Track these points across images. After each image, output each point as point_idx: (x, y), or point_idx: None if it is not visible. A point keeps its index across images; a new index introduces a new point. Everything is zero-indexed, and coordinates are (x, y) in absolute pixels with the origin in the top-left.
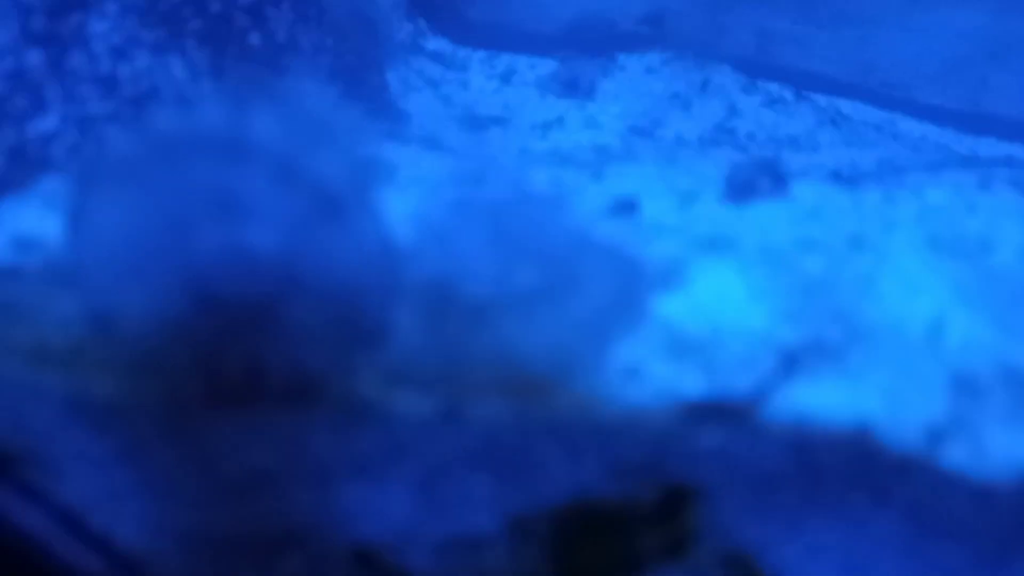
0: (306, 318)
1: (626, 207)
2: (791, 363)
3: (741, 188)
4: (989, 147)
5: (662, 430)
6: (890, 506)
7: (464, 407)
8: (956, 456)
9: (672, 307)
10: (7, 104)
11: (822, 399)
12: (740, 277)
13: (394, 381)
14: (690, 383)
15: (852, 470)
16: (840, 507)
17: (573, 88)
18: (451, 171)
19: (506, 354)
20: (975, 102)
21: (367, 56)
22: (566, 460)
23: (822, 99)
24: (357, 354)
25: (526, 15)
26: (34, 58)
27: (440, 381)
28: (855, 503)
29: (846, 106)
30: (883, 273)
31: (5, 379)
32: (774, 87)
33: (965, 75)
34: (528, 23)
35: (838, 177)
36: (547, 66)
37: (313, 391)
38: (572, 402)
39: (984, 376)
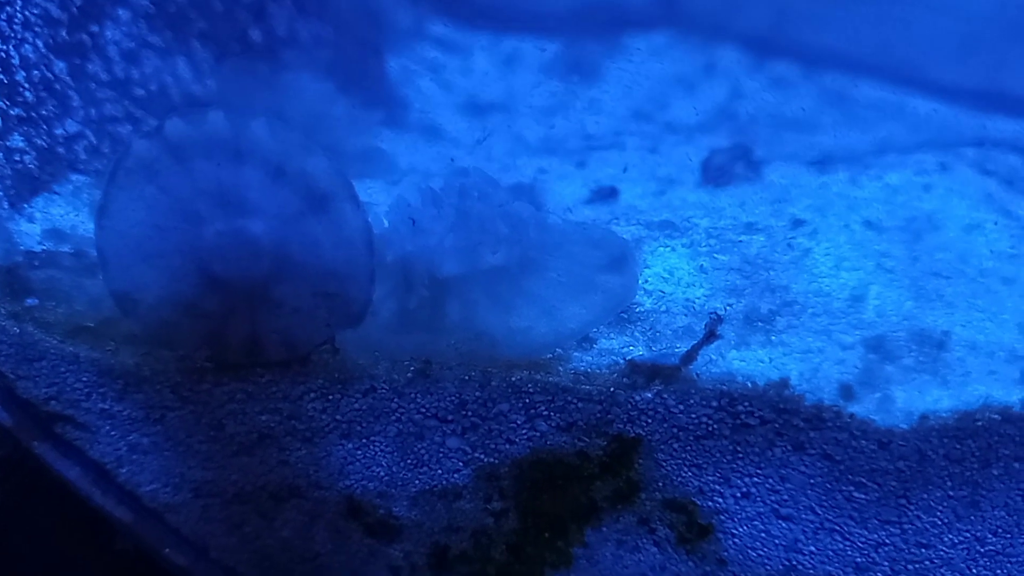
0: (297, 296)
1: (605, 193)
2: (725, 330)
3: (716, 173)
4: (996, 125)
5: (608, 389)
6: (809, 452)
7: (434, 375)
8: (865, 407)
9: (624, 283)
10: (37, 111)
11: (749, 360)
12: (689, 258)
13: (373, 351)
14: (635, 349)
15: (774, 421)
16: (766, 455)
17: (577, 71)
18: (440, 162)
19: (469, 325)
20: (992, 80)
21: (368, 45)
22: (525, 417)
23: (830, 78)
24: (341, 327)
25: None
26: (59, 68)
27: (413, 351)
28: (778, 451)
29: (856, 84)
30: (817, 250)
31: (48, 351)
32: (781, 67)
33: (982, 53)
34: (535, 2)
35: (816, 161)
36: (552, 48)
37: (304, 361)
38: (528, 367)
39: (895, 339)
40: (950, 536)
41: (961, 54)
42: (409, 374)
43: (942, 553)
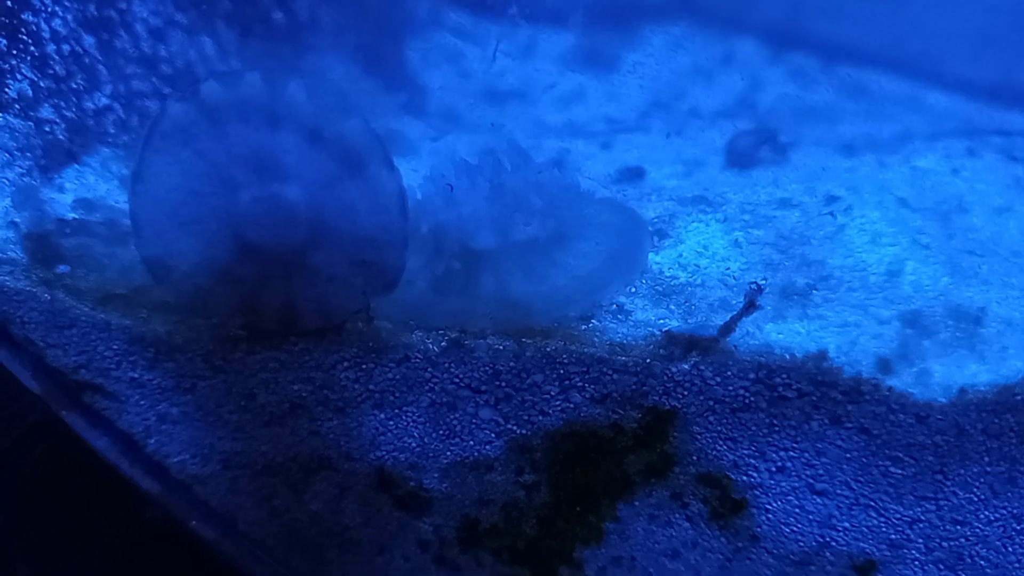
0: (333, 264)
1: (632, 173)
2: (762, 303)
3: (743, 156)
4: (1015, 119)
5: (644, 360)
6: (846, 426)
7: (468, 344)
8: (903, 380)
9: (661, 257)
10: (68, 83)
11: (786, 333)
12: (723, 233)
13: (408, 320)
14: (671, 321)
15: (812, 394)
16: (802, 428)
17: (595, 61)
18: (465, 141)
19: (504, 296)
20: (1008, 75)
21: (388, 32)
22: (559, 388)
23: (848, 71)
24: (376, 296)
25: None
26: (89, 42)
27: (447, 321)
28: (815, 424)
29: (873, 78)
30: (852, 226)
31: (79, 319)
32: (799, 59)
33: (998, 48)
34: None
35: (842, 146)
36: (570, 38)
37: (339, 329)
38: (563, 337)
39: (931, 314)
40: (986, 513)
41: (977, 48)
42: (443, 343)
43: (978, 530)
